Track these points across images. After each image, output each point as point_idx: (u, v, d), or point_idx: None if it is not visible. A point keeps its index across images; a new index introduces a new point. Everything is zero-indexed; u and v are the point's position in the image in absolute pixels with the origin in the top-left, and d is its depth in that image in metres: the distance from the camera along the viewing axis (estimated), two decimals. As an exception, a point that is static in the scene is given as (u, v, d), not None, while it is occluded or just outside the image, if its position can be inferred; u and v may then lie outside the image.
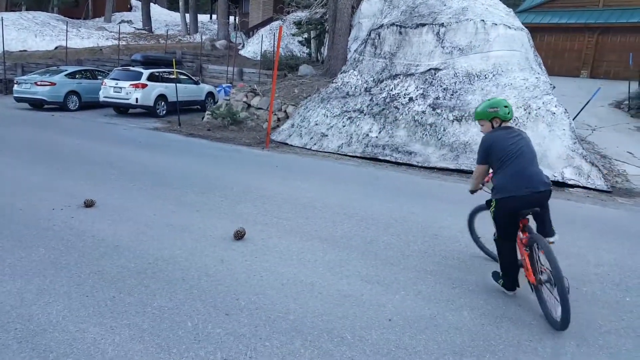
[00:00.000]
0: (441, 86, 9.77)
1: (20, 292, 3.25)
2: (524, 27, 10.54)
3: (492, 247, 4.05)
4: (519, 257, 3.57)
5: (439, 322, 3.21)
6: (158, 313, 3.08)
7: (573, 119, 9.36)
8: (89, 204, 5.17)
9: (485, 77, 9.57)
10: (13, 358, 2.55)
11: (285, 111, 12.26)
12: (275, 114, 11.98)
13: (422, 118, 9.44)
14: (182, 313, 3.10)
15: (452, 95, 9.55)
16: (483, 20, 9.98)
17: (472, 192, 3.98)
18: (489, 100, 3.78)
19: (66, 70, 15.74)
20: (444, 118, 9.24)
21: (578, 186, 7.69)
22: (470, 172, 8.45)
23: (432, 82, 9.95)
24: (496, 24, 9.93)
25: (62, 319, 2.95)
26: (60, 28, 24.70)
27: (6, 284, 3.36)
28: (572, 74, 19.47)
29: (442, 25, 10.36)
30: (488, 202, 3.68)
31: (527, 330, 3.15)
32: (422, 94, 9.85)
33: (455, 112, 9.24)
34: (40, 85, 14.67)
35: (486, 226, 4.16)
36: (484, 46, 9.84)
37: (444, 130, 9.09)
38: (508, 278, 3.60)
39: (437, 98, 9.62)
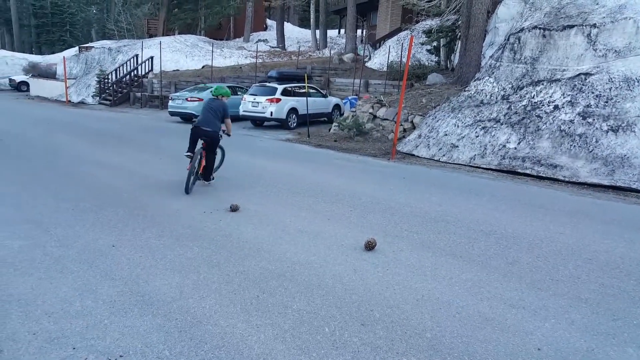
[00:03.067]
0: (593, 92, 8.75)
1: (179, 286, 3.62)
2: (699, 22, 8.98)
3: None
4: None
5: (598, 356, 2.82)
6: (298, 316, 3.20)
7: None
8: (234, 209, 5.62)
9: (649, 82, 8.34)
10: (175, 345, 2.84)
11: (411, 122, 12.06)
12: (401, 125, 11.85)
13: (569, 128, 8.54)
14: (319, 318, 3.18)
15: (606, 102, 8.50)
16: (646, 18, 8.74)
17: None
18: None
19: (212, 87, 17.48)
20: (597, 128, 8.25)
21: None
22: (630, 190, 7.40)
23: (581, 88, 8.96)
24: (663, 21, 8.62)
25: (214, 313, 3.22)
26: (207, 49, 27.51)
27: (168, 277, 3.78)
28: None
29: (594, 26, 9.30)
30: None
31: None
32: (570, 101, 8.92)
33: (610, 121, 8.20)
34: (190, 101, 16.48)
35: None
36: (647, 47, 8.60)
37: (596, 141, 8.11)
38: None
39: (588, 106, 8.63)
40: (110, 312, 3.20)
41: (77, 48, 35.15)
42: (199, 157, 6.53)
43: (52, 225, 4.90)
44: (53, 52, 41.96)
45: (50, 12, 49.40)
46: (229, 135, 6.93)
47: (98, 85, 24.67)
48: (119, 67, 24.34)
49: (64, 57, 28.47)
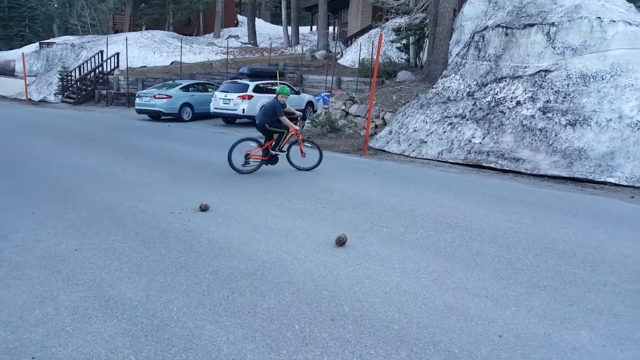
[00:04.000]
0: (552, 88, 9.09)
1: (145, 289, 3.59)
2: (648, 23, 9.45)
3: None
4: None
5: (555, 341, 2.98)
6: (268, 314, 3.25)
7: None
8: (204, 208, 5.61)
9: (602, 79, 8.73)
10: (141, 349, 2.82)
11: (383, 118, 12.24)
12: (372, 121, 12.01)
13: (530, 122, 8.86)
14: (289, 315, 3.24)
15: (564, 98, 8.84)
16: (599, 18, 9.13)
17: None
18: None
19: (181, 84, 17.25)
20: (556, 122, 8.58)
21: None
22: (587, 181, 7.74)
23: (541, 84, 9.29)
24: (614, 21, 9.02)
25: (182, 315, 3.23)
26: (176, 45, 27.00)
27: (134, 280, 3.73)
28: None
29: (552, 24, 9.65)
30: None
31: (662, 359, 2.81)
32: (531, 97, 9.24)
33: (569, 115, 8.54)
34: (158, 98, 16.23)
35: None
36: (601, 45, 8.99)
37: (556, 135, 8.44)
38: None
39: (548, 101, 8.96)
40: (72, 319, 3.13)
41: (37, 44, 33.86)
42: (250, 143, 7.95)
43: (11, 230, 4.75)
44: (11, 48, 40.24)
45: (7, 6, 47.24)
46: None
47: (61, 83, 23.94)
48: (83, 64, 23.64)
49: (22, 53, 27.43)
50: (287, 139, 8.02)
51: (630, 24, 9.03)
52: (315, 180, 7.50)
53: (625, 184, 7.45)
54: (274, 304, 3.38)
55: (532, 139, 8.64)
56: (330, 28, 32.08)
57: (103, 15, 41.88)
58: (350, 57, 23.46)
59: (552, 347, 2.91)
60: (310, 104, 17.06)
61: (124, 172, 7.73)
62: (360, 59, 20.73)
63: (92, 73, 23.58)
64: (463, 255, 4.42)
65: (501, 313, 3.33)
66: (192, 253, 4.32)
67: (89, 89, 23.28)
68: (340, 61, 23.71)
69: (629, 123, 7.93)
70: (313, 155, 8.40)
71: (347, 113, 13.40)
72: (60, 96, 23.77)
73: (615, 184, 7.53)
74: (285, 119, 7.73)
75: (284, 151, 8.14)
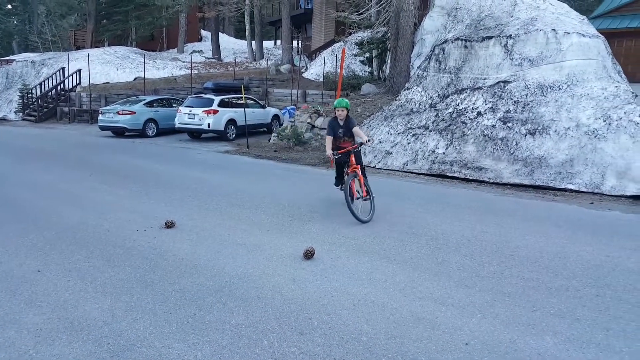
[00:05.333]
0: (511, 99, 9.43)
1: (111, 309, 3.50)
2: (599, 34, 9.97)
3: None
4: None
5: (520, 346, 3.05)
6: (236, 330, 3.19)
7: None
8: (169, 225, 5.49)
9: (559, 88, 9.12)
10: (107, 370, 2.74)
11: (349, 130, 12.35)
12: (339, 134, 12.10)
13: (492, 132, 9.14)
14: (258, 331, 3.19)
15: (523, 108, 9.17)
16: (554, 30, 9.56)
17: None
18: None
19: (144, 100, 16.96)
20: (516, 132, 8.88)
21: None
22: (548, 188, 8.02)
23: (501, 95, 9.62)
24: (568, 33, 9.47)
25: (149, 334, 3.14)
26: (139, 60, 26.65)
27: (98, 300, 3.63)
28: (657, 79, 18.01)
29: (509, 37, 10.04)
30: None
31: (617, 358, 2.91)
32: (491, 107, 9.55)
33: (528, 125, 8.86)
34: (122, 114, 15.89)
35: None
36: (557, 56, 9.40)
37: (517, 144, 8.73)
38: None
39: (508, 111, 9.28)
40: (35, 342, 3.03)
41: (-4, 61, 32.70)
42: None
43: (-32, 254, 4.56)
44: (-32, 66, 38.63)
45: (-36, 23, 45.58)
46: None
47: (21, 100, 23.18)
48: (44, 81, 23.04)
49: (-20, 70, 26.48)
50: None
51: (583, 35, 9.50)
52: (282, 194, 7.47)
53: (585, 190, 7.75)
54: (242, 320, 3.33)
55: (494, 149, 8.91)
56: (294, 42, 32.34)
57: (64, 31, 40.75)
58: (314, 70, 23.67)
59: (517, 352, 2.98)
60: (276, 117, 17.07)
61: (87, 190, 7.50)
62: (325, 72, 20.95)
63: (54, 90, 22.95)
64: (429, 264, 4.48)
65: (467, 321, 3.38)
66: (158, 271, 4.22)
67: (50, 106, 22.61)
68: (305, 75, 23.89)
69: (586, 131, 8.29)
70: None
71: (313, 126, 13.48)
72: (21, 114, 23.03)
73: (575, 191, 7.82)
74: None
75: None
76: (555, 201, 7.37)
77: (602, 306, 3.64)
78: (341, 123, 6.20)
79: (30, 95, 23.06)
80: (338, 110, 6.12)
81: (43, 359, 2.85)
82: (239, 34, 46.69)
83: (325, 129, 13.10)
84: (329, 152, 6.11)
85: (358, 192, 6.05)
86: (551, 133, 8.57)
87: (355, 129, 6.14)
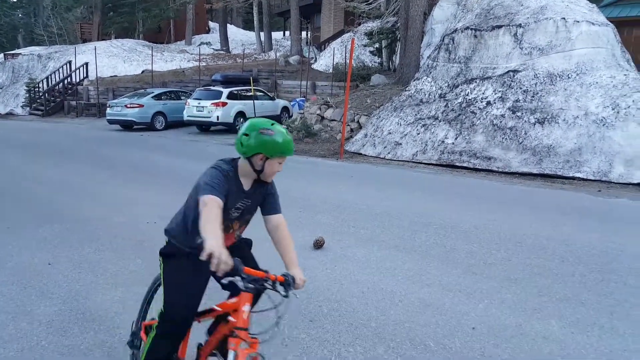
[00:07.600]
0: (521, 88, 9.38)
1: (122, 300, 3.54)
2: (609, 23, 9.88)
3: None
4: None
5: (526, 330, 3.11)
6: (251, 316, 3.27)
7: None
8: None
9: (569, 77, 9.05)
10: None
11: (358, 122, 12.38)
12: (348, 125, 12.13)
13: (501, 122, 9.11)
14: (270, 319, 3.27)
15: (532, 97, 9.13)
16: (564, 18, 9.47)
17: None
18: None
19: (153, 93, 17.01)
20: (525, 121, 8.86)
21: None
22: (556, 177, 8.00)
23: (510, 84, 9.58)
24: (578, 21, 9.38)
25: (164, 321, 3.22)
26: (146, 53, 26.62)
27: (109, 292, 3.69)
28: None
29: (519, 25, 9.96)
30: None
31: (621, 340, 2.96)
32: (501, 97, 9.51)
33: (537, 114, 8.82)
34: (130, 107, 15.97)
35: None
36: (566, 45, 9.33)
37: (525, 133, 8.71)
38: None
39: (517, 101, 9.24)
40: (47, 333, 3.08)
41: (2, 55, 32.97)
42: None
43: (-15, 246, 4.67)
44: (-26, 60, 39.06)
45: (-31, 18, 45.92)
46: None
47: (28, 95, 23.26)
48: (51, 75, 23.03)
49: (-14, 65, 26.74)
50: None
51: (593, 23, 9.40)
52: (292, 186, 7.54)
53: (593, 178, 7.74)
54: (256, 307, 3.40)
55: (503, 138, 8.89)
56: (303, 33, 32.23)
57: (70, 24, 40.93)
58: (324, 61, 23.60)
59: (523, 336, 3.03)
60: (285, 109, 17.10)
61: (97, 183, 7.63)
62: (334, 63, 20.89)
63: (61, 84, 23.03)
64: (437, 252, 4.53)
65: (474, 306, 3.44)
66: (170, 261, 4.30)
67: (57, 100, 22.73)
68: (314, 66, 23.84)
69: (595, 119, 8.25)
70: None
71: (323, 117, 13.50)
72: (28, 108, 23.13)
73: (583, 179, 7.81)
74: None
75: None
76: (563, 189, 7.36)
77: (606, 290, 3.68)
78: (246, 188, 2.21)
79: (37, 89, 23.09)
80: (274, 160, 2.17)
81: (55, 350, 2.89)
82: (247, 25, 46.57)
83: (334, 120, 13.16)
84: (212, 245, 1.72)
85: None
86: (560, 122, 8.54)
87: (277, 218, 2.44)
